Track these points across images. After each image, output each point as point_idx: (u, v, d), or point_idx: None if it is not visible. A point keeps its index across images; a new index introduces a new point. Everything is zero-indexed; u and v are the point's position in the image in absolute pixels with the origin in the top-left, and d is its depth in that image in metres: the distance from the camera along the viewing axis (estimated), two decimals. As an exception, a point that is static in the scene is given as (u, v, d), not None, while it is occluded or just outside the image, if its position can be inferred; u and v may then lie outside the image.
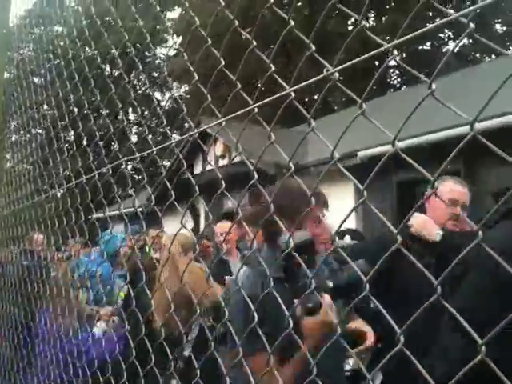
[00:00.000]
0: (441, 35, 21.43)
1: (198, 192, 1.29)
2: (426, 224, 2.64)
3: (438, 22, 0.95)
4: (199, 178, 11.04)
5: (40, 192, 2.68)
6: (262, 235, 1.87)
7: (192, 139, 1.41)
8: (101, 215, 1.84)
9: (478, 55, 20.74)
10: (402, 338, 0.69)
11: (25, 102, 3.04)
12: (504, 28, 21.16)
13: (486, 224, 0.64)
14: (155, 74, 27.04)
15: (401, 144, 0.74)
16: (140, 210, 1.68)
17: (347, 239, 3.94)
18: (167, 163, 12.69)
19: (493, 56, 18.10)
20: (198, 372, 1.20)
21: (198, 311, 1.50)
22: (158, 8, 1.80)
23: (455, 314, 0.63)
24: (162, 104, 25.49)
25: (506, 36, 20.88)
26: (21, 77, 3.15)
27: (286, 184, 1.71)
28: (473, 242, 0.60)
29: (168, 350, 1.38)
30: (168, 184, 1.47)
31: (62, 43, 2.66)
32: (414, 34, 0.77)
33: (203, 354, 1.23)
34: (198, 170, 12.67)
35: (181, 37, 20.01)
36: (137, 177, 21.82)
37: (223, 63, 1.23)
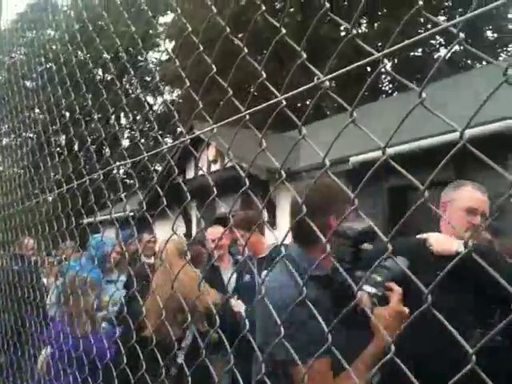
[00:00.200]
0: (432, 41, 21.57)
1: (189, 198, 1.29)
2: (443, 241, 2.37)
3: (427, 33, 0.95)
4: (191, 182, 11.02)
5: (30, 197, 2.66)
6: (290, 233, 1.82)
7: (183, 145, 1.40)
8: (92, 220, 1.83)
9: (469, 61, 20.88)
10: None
11: (16, 106, 3.02)
12: (495, 35, 21.31)
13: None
14: (147, 79, 26.98)
15: (392, 150, 0.75)
16: (131, 214, 1.67)
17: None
18: (159, 168, 12.65)
19: (484, 62, 18.24)
20: (190, 380, 1.20)
21: (195, 315, 1.50)
22: (150, 13, 1.80)
23: (444, 322, 0.63)
24: (155, 108, 25.45)
25: (497, 43, 21.04)
26: (12, 80, 3.14)
27: (321, 182, 1.67)
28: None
29: (159, 357, 1.37)
30: (160, 190, 1.46)
31: (53, 47, 2.65)
32: (404, 43, 0.78)
33: (197, 361, 1.22)
34: (190, 174, 12.63)
35: (173, 42, 19.99)
36: (128, 181, 21.70)
37: (215, 70, 1.23)
